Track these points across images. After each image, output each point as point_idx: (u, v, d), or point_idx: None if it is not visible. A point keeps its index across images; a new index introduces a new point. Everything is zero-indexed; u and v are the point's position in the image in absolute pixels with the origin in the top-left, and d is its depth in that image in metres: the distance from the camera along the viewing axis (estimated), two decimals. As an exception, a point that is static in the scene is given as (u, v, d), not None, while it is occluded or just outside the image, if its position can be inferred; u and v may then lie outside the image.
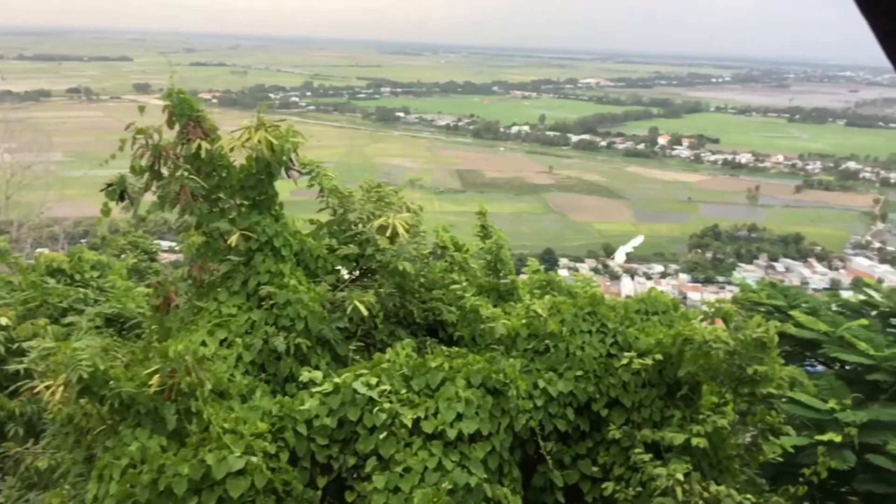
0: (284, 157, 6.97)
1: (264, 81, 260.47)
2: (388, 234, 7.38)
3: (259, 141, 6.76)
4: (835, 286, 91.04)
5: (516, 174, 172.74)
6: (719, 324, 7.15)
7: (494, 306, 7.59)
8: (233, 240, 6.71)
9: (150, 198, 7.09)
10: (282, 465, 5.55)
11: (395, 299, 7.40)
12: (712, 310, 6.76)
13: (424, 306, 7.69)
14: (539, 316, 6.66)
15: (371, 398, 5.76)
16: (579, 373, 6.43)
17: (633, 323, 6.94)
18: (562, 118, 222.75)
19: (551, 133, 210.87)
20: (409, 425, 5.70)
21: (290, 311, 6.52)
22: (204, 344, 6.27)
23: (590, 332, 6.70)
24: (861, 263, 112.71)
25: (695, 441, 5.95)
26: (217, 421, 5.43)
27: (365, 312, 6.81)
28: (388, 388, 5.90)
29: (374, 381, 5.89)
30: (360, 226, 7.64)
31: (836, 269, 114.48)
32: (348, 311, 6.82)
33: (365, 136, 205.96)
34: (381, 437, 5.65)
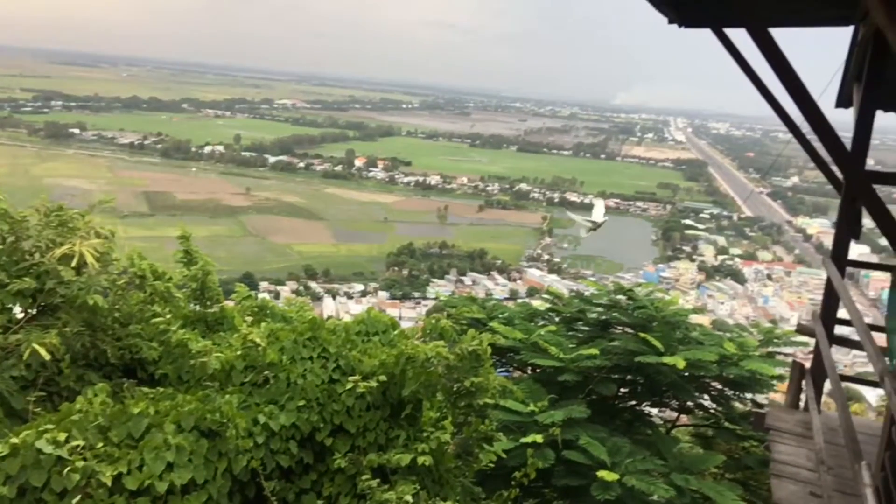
0: (-69, 175, 5.72)
1: None
2: (73, 264, 6.40)
3: None
4: (513, 295, 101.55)
5: (211, 196, 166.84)
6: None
7: (203, 337, 6.96)
8: None
9: None
10: (-60, 555, 4.47)
11: (85, 338, 6.42)
12: (430, 327, 6.88)
13: (119, 344, 6.77)
14: (257, 345, 6.23)
15: (60, 457, 4.87)
16: (301, 402, 6.11)
17: (354, 345, 6.79)
18: (258, 139, 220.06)
19: (247, 154, 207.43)
20: (109, 483, 4.90)
21: (-55, 362, 5.34)
22: None
23: (311, 358, 6.40)
24: (534, 274, 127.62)
25: (420, 459, 5.94)
26: None
27: (47, 356, 5.80)
28: (80, 443, 5.03)
29: (62, 436, 4.99)
30: (38, 255, 6.52)
31: (514, 279, 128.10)
32: (25, 356, 5.76)
33: (32, 155, 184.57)
34: (74, 501, 4.81)
